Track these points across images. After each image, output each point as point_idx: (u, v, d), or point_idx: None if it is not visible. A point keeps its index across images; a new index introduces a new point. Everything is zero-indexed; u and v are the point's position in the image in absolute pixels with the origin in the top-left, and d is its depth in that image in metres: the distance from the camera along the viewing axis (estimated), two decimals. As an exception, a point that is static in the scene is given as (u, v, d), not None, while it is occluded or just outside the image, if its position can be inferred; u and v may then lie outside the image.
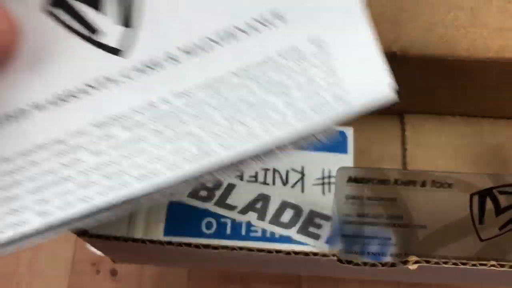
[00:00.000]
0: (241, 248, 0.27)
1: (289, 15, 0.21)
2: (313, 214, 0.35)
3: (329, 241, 0.34)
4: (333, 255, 0.25)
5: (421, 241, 0.33)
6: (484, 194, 0.32)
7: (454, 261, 0.27)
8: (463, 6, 0.30)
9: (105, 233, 0.27)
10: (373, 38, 0.21)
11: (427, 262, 0.27)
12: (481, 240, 0.33)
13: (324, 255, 0.25)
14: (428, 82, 0.33)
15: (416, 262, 0.25)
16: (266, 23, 0.21)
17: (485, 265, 0.27)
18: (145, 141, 0.21)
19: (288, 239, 0.34)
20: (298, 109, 0.21)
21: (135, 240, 0.27)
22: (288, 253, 0.25)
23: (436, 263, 0.27)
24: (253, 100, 0.21)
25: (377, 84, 0.21)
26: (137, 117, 0.21)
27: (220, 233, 0.34)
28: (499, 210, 0.33)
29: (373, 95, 0.21)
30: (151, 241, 0.27)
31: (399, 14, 0.30)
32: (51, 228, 0.22)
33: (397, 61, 0.30)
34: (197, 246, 0.27)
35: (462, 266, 0.26)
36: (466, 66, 0.31)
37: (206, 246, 0.27)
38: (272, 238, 0.34)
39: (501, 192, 0.30)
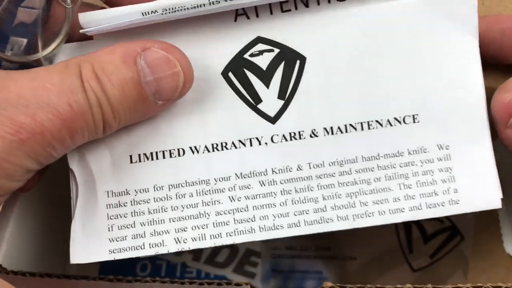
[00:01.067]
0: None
1: (423, 118, 0.24)
2: (249, 253, 0.35)
3: (264, 278, 0.34)
4: (246, 284, 0.25)
5: (353, 274, 0.33)
6: (408, 222, 0.33)
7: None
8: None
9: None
10: (492, 154, 0.24)
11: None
12: (414, 270, 0.33)
13: (237, 284, 0.25)
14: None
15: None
16: (402, 122, 0.24)
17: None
18: (275, 197, 0.25)
19: (223, 279, 0.34)
20: (415, 203, 0.24)
21: (67, 277, 0.26)
22: (201, 283, 0.25)
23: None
24: (377, 185, 0.24)
25: (488, 196, 0.24)
26: (273, 176, 0.25)
27: (154, 275, 0.34)
28: (426, 237, 0.33)
29: (483, 205, 0.24)
30: (84, 277, 0.26)
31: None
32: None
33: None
34: (129, 281, 0.26)
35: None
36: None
37: (138, 280, 0.26)
38: (207, 278, 0.33)
39: (426, 219, 0.31)
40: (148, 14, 0.23)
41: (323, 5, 0.24)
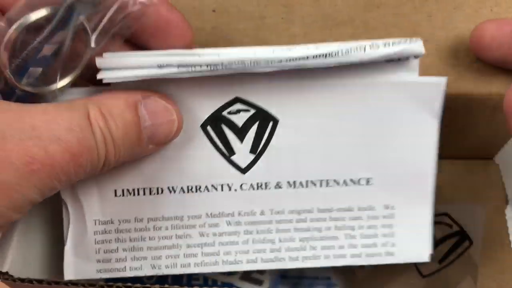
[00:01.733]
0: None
1: (376, 182, 0.28)
2: (257, 260, 0.35)
3: (272, 285, 0.34)
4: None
5: (362, 279, 0.33)
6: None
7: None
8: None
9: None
10: (431, 216, 0.29)
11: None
12: (423, 276, 0.33)
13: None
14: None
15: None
16: (357, 183, 0.28)
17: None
18: (239, 236, 0.28)
19: (230, 286, 0.34)
20: (356, 251, 0.28)
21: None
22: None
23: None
24: (326, 233, 0.28)
25: (420, 252, 0.29)
26: (239, 218, 0.28)
27: (161, 283, 0.33)
28: (435, 242, 0.33)
29: (414, 258, 0.29)
30: (92, 285, 0.26)
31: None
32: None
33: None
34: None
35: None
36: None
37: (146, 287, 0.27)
38: (214, 286, 0.33)
39: (434, 223, 0.31)
40: (164, 66, 0.24)
41: (300, 74, 0.26)
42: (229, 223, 0.28)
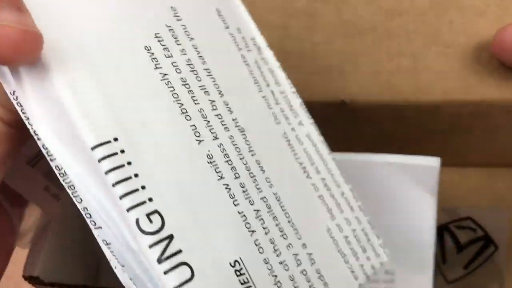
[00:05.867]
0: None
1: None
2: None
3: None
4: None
5: None
6: (440, 230, 0.32)
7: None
8: (405, 53, 0.32)
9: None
10: (432, 285, 0.29)
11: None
12: (448, 282, 0.32)
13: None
14: (381, 128, 0.34)
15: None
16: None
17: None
18: None
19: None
20: None
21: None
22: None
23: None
24: None
25: None
26: None
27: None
28: (459, 247, 0.33)
29: None
30: None
31: (344, 65, 0.32)
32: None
33: (347, 108, 0.31)
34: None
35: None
36: (415, 109, 0.32)
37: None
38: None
39: (458, 227, 0.31)
40: None
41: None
42: None
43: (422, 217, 0.29)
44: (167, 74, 0.19)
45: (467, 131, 0.34)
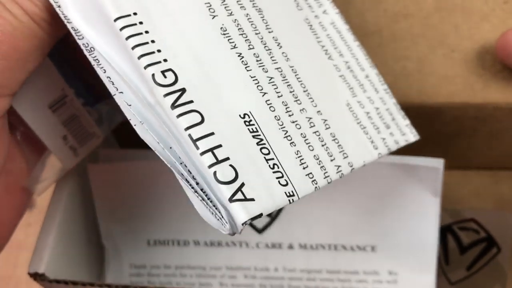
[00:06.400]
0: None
1: (381, 250, 0.30)
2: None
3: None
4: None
5: None
6: (443, 231, 0.33)
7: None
8: (410, 56, 0.32)
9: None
10: (434, 285, 0.30)
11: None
12: (451, 283, 0.33)
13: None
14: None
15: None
16: (363, 250, 0.31)
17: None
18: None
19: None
20: None
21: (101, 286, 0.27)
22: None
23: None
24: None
25: None
26: (255, 272, 0.31)
27: None
28: (462, 248, 0.33)
29: None
30: (126, 286, 0.27)
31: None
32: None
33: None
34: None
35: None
36: (419, 112, 0.32)
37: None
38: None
39: (461, 228, 0.31)
40: None
41: None
42: (245, 276, 0.31)
43: (426, 218, 0.29)
44: None
45: (471, 134, 0.34)
